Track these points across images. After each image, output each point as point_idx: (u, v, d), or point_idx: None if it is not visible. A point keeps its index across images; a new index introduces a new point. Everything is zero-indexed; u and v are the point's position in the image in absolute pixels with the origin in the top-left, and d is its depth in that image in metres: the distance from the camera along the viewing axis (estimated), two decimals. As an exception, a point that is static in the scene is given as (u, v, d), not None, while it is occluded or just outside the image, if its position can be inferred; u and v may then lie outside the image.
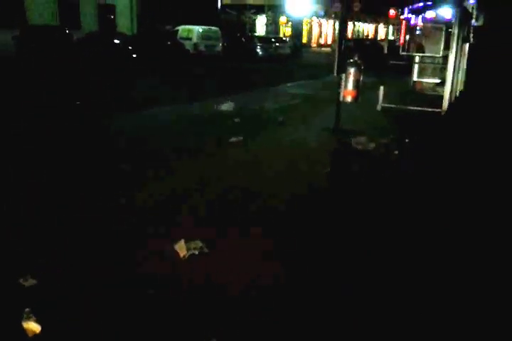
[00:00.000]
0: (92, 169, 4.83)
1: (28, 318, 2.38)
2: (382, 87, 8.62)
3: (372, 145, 6.07)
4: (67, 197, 4.04)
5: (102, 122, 7.05)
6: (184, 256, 3.09)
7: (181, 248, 3.16)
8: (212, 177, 4.70)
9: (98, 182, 4.45)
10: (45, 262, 2.95)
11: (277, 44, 26.32)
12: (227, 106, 8.64)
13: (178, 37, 21.22)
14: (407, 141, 6.32)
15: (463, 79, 10.59)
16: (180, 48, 19.68)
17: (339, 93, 6.99)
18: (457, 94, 9.80)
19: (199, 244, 3.21)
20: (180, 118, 7.72)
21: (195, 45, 21.12)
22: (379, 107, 8.69)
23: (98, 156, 5.32)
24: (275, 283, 2.83)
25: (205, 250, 3.16)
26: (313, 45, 45.06)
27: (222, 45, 22.45)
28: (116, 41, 17.55)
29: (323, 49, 41.41)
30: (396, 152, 5.81)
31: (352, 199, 4.28)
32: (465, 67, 10.57)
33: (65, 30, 17.52)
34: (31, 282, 2.70)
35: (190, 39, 21.21)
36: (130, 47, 17.14)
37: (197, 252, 3.13)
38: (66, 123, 6.77)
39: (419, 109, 8.35)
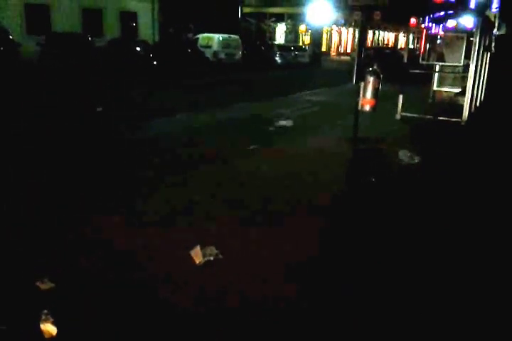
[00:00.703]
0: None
1: (46, 320, 2.41)
2: (401, 96, 8.57)
3: (417, 158, 5.91)
4: (98, 197, 4.11)
5: (128, 128, 7.16)
6: (200, 263, 3.11)
7: (197, 254, 3.17)
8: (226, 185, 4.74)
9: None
10: (62, 265, 3.00)
11: (296, 52, 26.41)
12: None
13: (198, 45, 21.45)
14: (424, 150, 6.27)
15: (484, 89, 10.47)
16: (200, 56, 19.88)
17: (357, 102, 6.97)
18: (478, 103, 9.69)
19: (214, 250, 3.22)
20: (204, 126, 7.81)
21: (215, 53, 21.30)
22: (398, 116, 8.64)
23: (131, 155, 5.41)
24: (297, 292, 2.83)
25: (220, 256, 3.18)
26: (333, 53, 45.02)
27: (242, 53, 22.60)
28: (138, 49, 17.82)
29: (342, 57, 41.36)
30: (416, 160, 5.76)
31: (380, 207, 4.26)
32: (486, 76, 10.45)
33: (88, 37, 17.86)
34: (49, 285, 2.74)
35: (210, 47, 21.41)
36: (151, 55, 17.38)
37: (212, 258, 3.15)
38: (87, 129, 6.89)
39: (439, 118, 8.27)
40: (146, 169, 5.12)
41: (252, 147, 6.23)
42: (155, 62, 17.00)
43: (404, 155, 6.01)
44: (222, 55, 21.51)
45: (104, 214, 3.82)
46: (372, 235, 3.66)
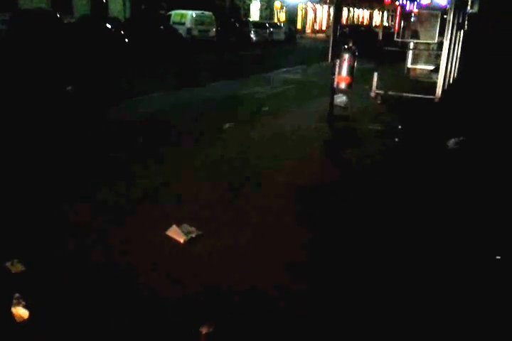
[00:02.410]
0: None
1: (18, 304, 2.37)
2: (376, 74, 8.56)
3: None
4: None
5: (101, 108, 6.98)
6: (185, 241, 3.09)
7: (177, 233, 3.15)
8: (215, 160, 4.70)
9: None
10: (36, 248, 2.94)
11: (272, 29, 26.08)
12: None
13: (171, 22, 20.94)
14: (400, 127, 6.32)
15: (457, 66, 10.55)
16: (173, 33, 19.43)
17: (333, 79, 6.94)
18: (451, 80, 9.77)
19: (189, 227, 3.21)
20: (177, 104, 7.67)
21: (188, 30, 20.85)
22: (373, 94, 8.65)
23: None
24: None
25: (200, 232, 3.17)
26: (308, 30, 44.68)
27: (216, 30, 22.19)
28: (109, 26, 17.29)
29: (318, 35, 41.09)
30: (396, 139, 5.80)
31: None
32: (459, 54, 10.51)
33: (56, 14, 17.20)
34: (19, 267, 2.69)
35: (183, 24, 20.94)
36: (122, 32, 16.89)
37: (194, 235, 3.14)
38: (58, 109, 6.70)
39: (412, 95, 8.32)
40: (120, 150, 5.01)
41: (227, 125, 6.17)
42: (126, 40, 16.54)
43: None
44: (195, 32, 21.08)
45: (77, 198, 3.74)
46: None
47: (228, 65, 14.21)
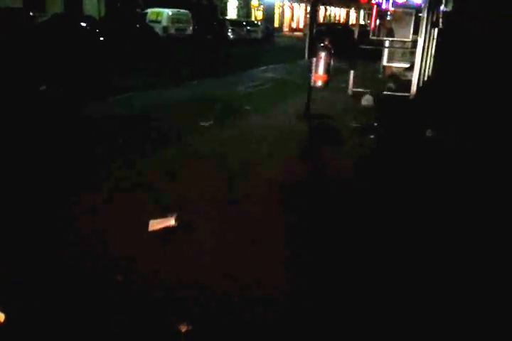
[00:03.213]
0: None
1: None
2: (352, 72, 8.65)
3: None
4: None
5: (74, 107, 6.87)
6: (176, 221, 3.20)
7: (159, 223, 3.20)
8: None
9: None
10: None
11: (249, 28, 26.08)
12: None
13: (147, 20, 20.75)
14: (375, 124, 6.40)
15: (431, 64, 10.71)
16: (149, 31, 19.26)
17: (310, 77, 6.99)
18: (425, 78, 9.92)
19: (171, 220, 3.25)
20: (155, 103, 7.61)
21: (165, 28, 20.71)
22: (350, 92, 8.73)
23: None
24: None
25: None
26: (286, 29, 44.78)
27: (193, 28, 22.08)
28: (83, 24, 17.04)
29: (295, 33, 41.22)
30: (372, 136, 5.87)
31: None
32: (433, 51, 10.68)
33: (29, 12, 16.86)
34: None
35: (159, 22, 20.79)
36: (98, 31, 16.66)
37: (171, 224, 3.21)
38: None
39: (388, 93, 8.43)
40: (97, 147, 4.95)
41: (206, 123, 6.15)
42: (102, 38, 16.32)
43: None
44: (172, 31, 20.94)
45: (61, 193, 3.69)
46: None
47: (205, 64, 14.14)
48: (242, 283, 2.64)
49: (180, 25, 21.36)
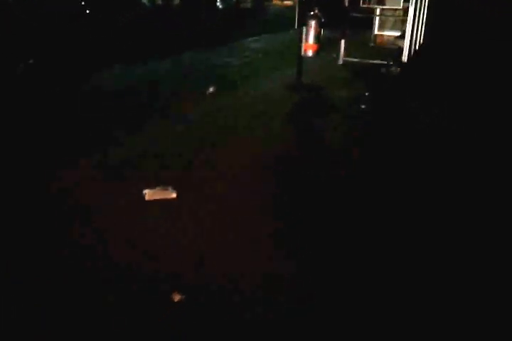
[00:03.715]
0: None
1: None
2: (343, 41, 8.57)
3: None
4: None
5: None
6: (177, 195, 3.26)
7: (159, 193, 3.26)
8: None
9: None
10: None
11: (238, -3, 25.47)
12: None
13: (133, -10, 20.19)
14: (366, 94, 6.40)
15: (423, 32, 10.62)
16: (136, 2, 18.78)
17: (300, 47, 6.93)
18: (417, 46, 9.86)
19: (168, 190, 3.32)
20: (145, 76, 7.54)
21: (152, -2, 20.17)
22: (340, 61, 8.68)
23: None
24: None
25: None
26: (275, -2, 43.77)
27: (181, -2, 21.52)
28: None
29: (285, 2, 40.29)
30: (363, 106, 5.89)
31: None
32: (425, 19, 10.57)
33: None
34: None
35: (146, -7, 20.21)
36: (83, 3, 16.22)
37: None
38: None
39: (379, 62, 8.38)
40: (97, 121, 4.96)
41: (197, 95, 6.14)
42: (88, 11, 15.91)
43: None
44: (159, 1, 20.42)
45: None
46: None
47: (194, 35, 13.89)
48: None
49: (166, -5, 20.79)
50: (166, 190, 3.34)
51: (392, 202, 3.40)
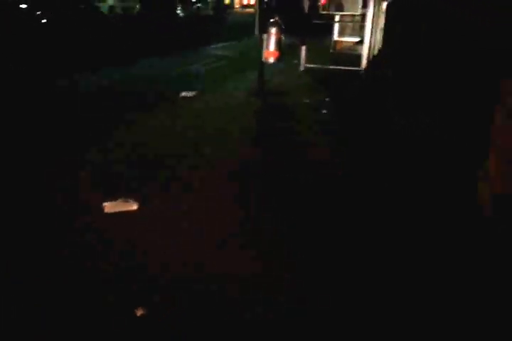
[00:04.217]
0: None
1: None
2: (304, 47, 8.67)
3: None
4: None
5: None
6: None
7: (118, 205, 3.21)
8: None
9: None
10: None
11: (199, 5, 25.54)
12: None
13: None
14: (327, 100, 6.48)
15: (381, 38, 10.86)
16: (95, 11, 18.52)
17: (262, 53, 6.97)
18: (375, 52, 10.07)
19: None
20: (105, 82, 7.40)
21: (111, 7, 19.99)
22: (302, 67, 8.77)
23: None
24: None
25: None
26: (237, 5, 44.09)
27: (140, 6, 21.38)
28: (23, 6, 16.17)
29: (246, 10, 40.63)
30: (324, 111, 5.95)
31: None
32: (383, 25, 10.82)
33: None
34: None
35: (104, 1, 20.00)
36: (38, 13, 15.86)
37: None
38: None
39: (340, 68, 8.52)
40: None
41: (159, 103, 6.06)
42: (44, 20, 15.57)
43: None
44: (119, 10, 20.23)
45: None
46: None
47: (156, 42, 13.79)
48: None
49: (127, 3, 20.64)
50: (127, 201, 3.27)
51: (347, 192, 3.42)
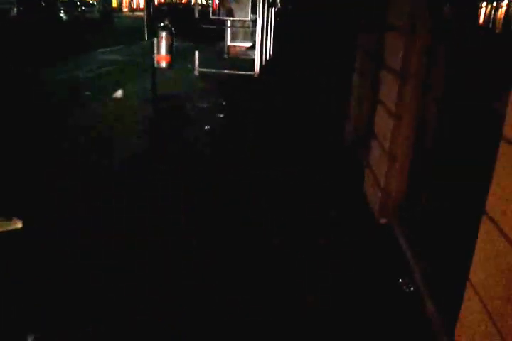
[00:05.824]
0: None
1: None
2: (197, 52, 8.58)
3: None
4: None
5: None
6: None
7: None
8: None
9: None
10: None
11: (84, 8, 24.36)
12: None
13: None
14: (224, 103, 6.44)
15: (271, 43, 11.15)
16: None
17: (153, 58, 6.72)
18: (267, 57, 10.30)
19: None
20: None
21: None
22: (196, 72, 8.66)
23: None
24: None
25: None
26: (125, 9, 42.87)
27: (17, 9, 19.78)
28: None
29: (136, 13, 39.70)
30: (221, 115, 5.89)
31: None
32: (272, 30, 11.11)
33: None
34: None
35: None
36: None
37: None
38: None
39: (234, 72, 8.56)
40: None
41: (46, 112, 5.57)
42: None
43: None
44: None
45: None
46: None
47: (36, 48, 12.82)
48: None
49: (1, 6, 18.97)
50: (10, 220, 2.94)
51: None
